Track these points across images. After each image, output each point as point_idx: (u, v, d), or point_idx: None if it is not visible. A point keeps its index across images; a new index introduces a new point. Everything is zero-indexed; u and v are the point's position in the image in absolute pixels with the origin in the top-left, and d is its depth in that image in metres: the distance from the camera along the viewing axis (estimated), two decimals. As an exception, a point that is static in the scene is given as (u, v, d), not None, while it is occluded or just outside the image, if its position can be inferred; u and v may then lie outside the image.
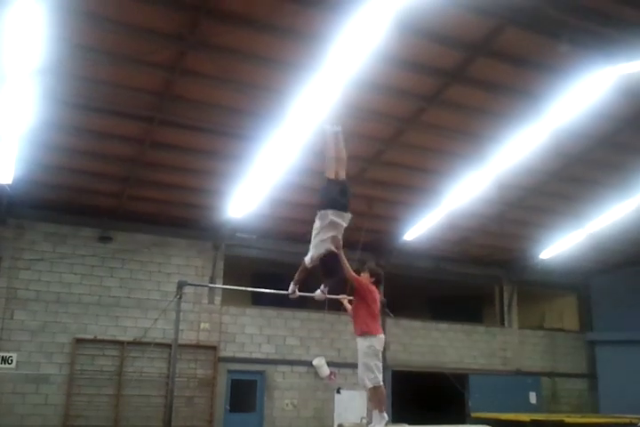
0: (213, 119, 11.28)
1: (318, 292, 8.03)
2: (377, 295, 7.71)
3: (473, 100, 11.00)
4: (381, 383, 7.31)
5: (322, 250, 7.11)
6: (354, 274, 7.44)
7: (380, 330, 7.51)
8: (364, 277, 7.71)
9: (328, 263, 7.11)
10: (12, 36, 7.97)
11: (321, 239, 7.13)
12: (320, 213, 7.14)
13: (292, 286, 8.00)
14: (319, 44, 8.90)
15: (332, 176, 7.21)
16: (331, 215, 7.04)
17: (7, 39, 8.02)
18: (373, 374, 7.23)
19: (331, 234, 7.11)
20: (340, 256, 7.14)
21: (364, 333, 7.35)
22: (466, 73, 10.19)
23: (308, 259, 7.33)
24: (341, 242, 7.20)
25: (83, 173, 13.18)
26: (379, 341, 7.38)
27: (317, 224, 7.18)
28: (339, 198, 7.15)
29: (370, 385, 7.27)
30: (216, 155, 12.60)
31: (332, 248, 7.07)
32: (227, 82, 10.21)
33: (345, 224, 7.20)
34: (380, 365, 7.36)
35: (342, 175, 7.25)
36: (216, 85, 10.35)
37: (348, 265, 7.32)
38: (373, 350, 7.29)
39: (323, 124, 7.62)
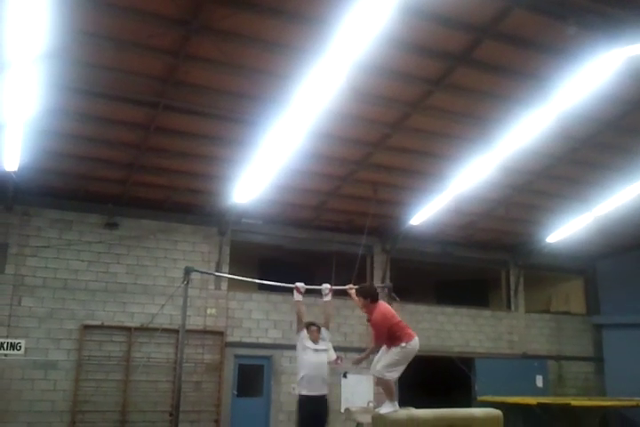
0: (218, 104, 11.22)
1: (325, 284, 8.43)
2: (389, 309, 7.58)
3: (479, 83, 10.90)
4: (391, 380, 7.29)
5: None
6: (374, 346, 7.68)
7: (414, 334, 7.38)
8: (362, 303, 7.60)
9: None
10: (16, 22, 7.90)
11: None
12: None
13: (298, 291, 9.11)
14: (324, 28, 8.81)
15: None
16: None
17: (11, 25, 7.96)
18: (393, 372, 7.21)
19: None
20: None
21: (407, 342, 7.25)
22: (472, 56, 10.09)
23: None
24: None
25: (88, 160, 13.17)
26: (414, 343, 7.28)
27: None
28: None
29: (384, 378, 7.24)
30: (221, 140, 12.56)
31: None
32: (231, 66, 10.15)
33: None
34: (404, 368, 7.32)
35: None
36: (220, 70, 10.29)
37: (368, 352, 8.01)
38: (407, 351, 7.22)
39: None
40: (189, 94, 10.93)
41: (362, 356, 8.09)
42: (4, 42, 8.35)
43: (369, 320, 7.54)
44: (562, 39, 9.39)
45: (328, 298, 9.26)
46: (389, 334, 7.29)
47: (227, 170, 13.48)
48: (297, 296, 9.12)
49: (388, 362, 7.21)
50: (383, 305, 7.61)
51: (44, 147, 12.31)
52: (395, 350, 7.22)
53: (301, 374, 8.82)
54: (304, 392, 8.75)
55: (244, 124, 11.80)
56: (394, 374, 7.25)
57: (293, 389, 15.91)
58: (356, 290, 8.02)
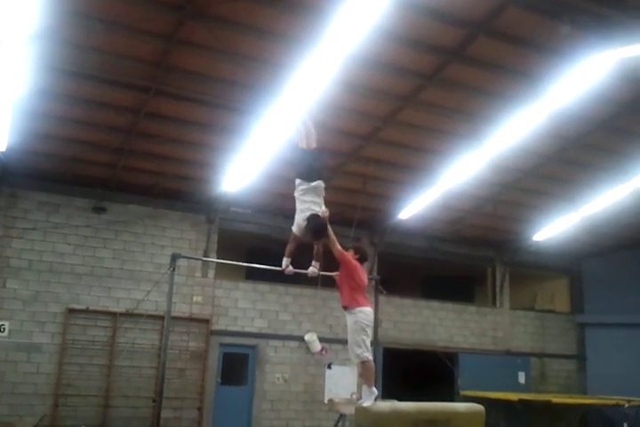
0: (210, 91, 11.18)
1: (311, 268, 8.27)
2: (361, 269, 7.83)
3: (472, 79, 10.91)
4: (370, 359, 7.37)
5: (306, 213, 7.62)
6: (339, 247, 7.63)
7: (366, 303, 7.60)
8: (349, 254, 7.88)
9: (314, 225, 7.53)
10: (6, 2, 7.84)
11: (302, 205, 7.70)
12: (297, 182, 7.81)
13: (285, 261, 8.34)
14: (320, 19, 8.79)
15: (304, 146, 8.07)
16: (303, 185, 7.73)
17: (1, 4, 7.89)
18: (361, 350, 7.31)
19: (310, 199, 7.70)
20: (325, 223, 7.60)
21: (347, 306, 7.52)
22: (466, 52, 10.09)
23: (295, 226, 7.76)
24: (327, 213, 7.70)
25: (77, 143, 13.09)
26: (364, 314, 7.46)
27: (297, 190, 7.80)
28: (312, 166, 7.85)
29: (357, 360, 7.36)
30: (212, 127, 12.52)
31: (316, 212, 7.59)
32: (224, 53, 10.11)
33: (322, 188, 7.90)
34: (369, 340, 7.44)
35: (311, 143, 8.08)
36: (213, 57, 10.25)
37: (334, 237, 7.61)
38: (360, 325, 7.39)
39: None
40: (181, 80, 10.88)
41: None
42: (-4, 21, 8.28)
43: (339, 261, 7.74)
44: (556, 38, 9.40)
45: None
46: (349, 288, 7.56)
47: (217, 158, 13.45)
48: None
49: (354, 342, 7.35)
50: (362, 266, 7.94)
51: (32, 128, 12.23)
52: (350, 325, 7.43)
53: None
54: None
55: (235, 112, 11.77)
56: (367, 352, 7.35)
57: (278, 379, 16.04)
58: (354, 245, 8.17)
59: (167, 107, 11.80)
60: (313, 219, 7.57)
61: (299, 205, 7.80)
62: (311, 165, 7.98)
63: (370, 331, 7.51)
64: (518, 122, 11.61)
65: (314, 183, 7.85)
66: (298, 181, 7.87)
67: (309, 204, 7.71)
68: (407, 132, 12.83)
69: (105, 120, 12.24)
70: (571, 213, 16.13)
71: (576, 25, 8.95)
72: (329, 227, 7.59)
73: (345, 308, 7.59)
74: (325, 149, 8.67)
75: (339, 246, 7.63)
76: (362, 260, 8.01)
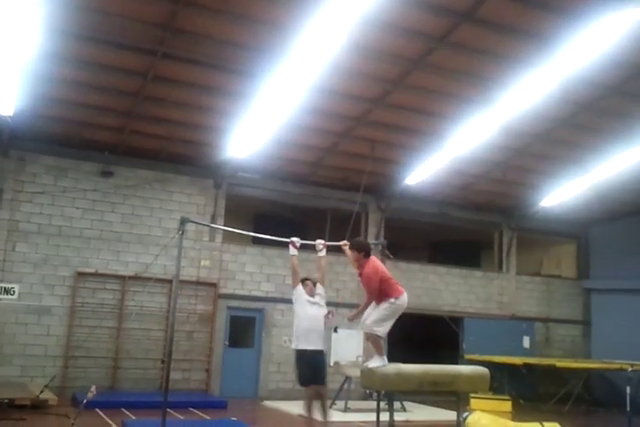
0: (218, 54, 11.07)
1: (319, 240, 8.44)
2: (381, 266, 7.66)
3: (482, 41, 10.74)
4: (381, 335, 7.38)
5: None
6: (368, 298, 7.52)
7: (402, 289, 7.48)
8: (354, 256, 7.71)
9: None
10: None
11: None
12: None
13: (294, 243, 8.98)
14: (328, -21, 8.65)
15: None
16: None
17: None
18: (382, 327, 7.29)
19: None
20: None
21: (395, 297, 7.35)
22: (476, 13, 9.90)
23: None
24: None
25: (85, 107, 13.04)
26: (404, 299, 7.40)
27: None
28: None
29: (367, 331, 7.35)
30: (220, 91, 12.43)
31: None
32: (232, 16, 9.96)
33: None
34: (392, 323, 7.42)
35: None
36: (221, 19, 10.10)
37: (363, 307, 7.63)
38: (396, 307, 7.34)
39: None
40: (189, 43, 10.76)
41: (356, 311, 7.82)
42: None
43: (360, 275, 7.62)
44: (569, -1, 9.23)
45: (322, 253, 9.29)
46: (380, 289, 7.37)
47: (225, 122, 13.38)
48: (292, 251, 9.08)
49: (378, 317, 7.30)
50: (375, 260, 7.71)
51: (40, 92, 12.17)
52: (384, 306, 7.31)
53: (298, 327, 8.79)
54: (302, 346, 8.71)
55: (243, 75, 11.66)
56: (383, 329, 7.33)
57: (284, 342, 16.19)
58: (350, 244, 8.05)
59: (175, 70, 11.71)
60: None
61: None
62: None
63: (398, 315, 7.48)
64: (529, 85, 11.48)
65: None
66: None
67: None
68: (416, 95, 12.71)
69: (113, 84, 12.16)
70: (579, 178, 16.04)
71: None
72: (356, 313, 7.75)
73: (382, 301, 7.38)
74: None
75: (367, 296, 7.53)
76: (368, 254, 7.70)
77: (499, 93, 12.01)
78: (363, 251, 7.68)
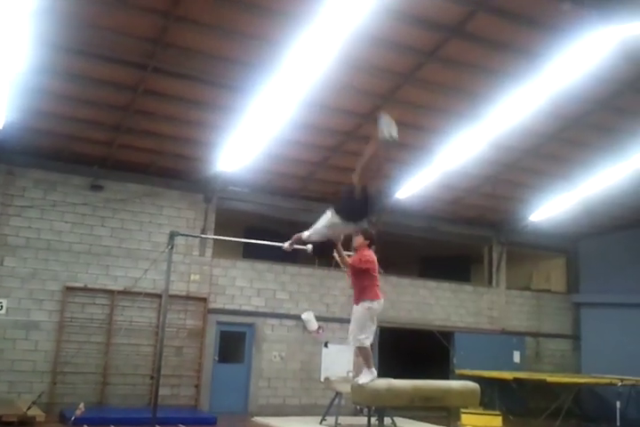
0: (209, 69, 11.09)
1: (310, 246, 8.21)
2: (373, 260, 7.68)
3: (472, 56, 10.82)
4: (367, 346, 7.35)
5: (321, 237, 7.26)
6: (348, 260, 7.69)
7: (380, 294, 7.49)
8: (359, 241, 7.74)
9: (321, 248, 7.60)
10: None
11: (323, 228, 7.17)
12: (332, 212, 6.97)
13: (286, 244, 8.15)
14: (318, -5, 8.70)
15: (358, 184, 6.82)
16: (341, 221, 6.98)
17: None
18: (364, 335, 7.26)
19: (332, 228, 7.13)
20: (337, 247, 7.66)
21: (369, 299, 7.36)
22: (466, 29, 9.98)
23: (306, 235, 7.40)
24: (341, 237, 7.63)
25: (74, 120, 13.01)
26: (378, 304, 7.40)
27: (326, 218, 7.08)
28: (356, 212, 7.06)
29: (356, 344, 7.35)
30: (210, 106, 12.44)
31: (331, 238, 7.37)
32: (222, 31, 10.01)
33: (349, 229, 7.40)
34: (374, 328, 7.42)
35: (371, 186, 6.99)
36: (211, 34, 10.14)
37: (343, 253, 7.75)
38: (372, 312, 7.33)
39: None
40: (179, 57, 10.78)
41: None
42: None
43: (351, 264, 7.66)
44: (556, 15, 9.31)
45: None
46: (361, 281, 7.45)
47: (215, 136, 13.38)
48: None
49: (358, 327, 7.30)
50: (372, 253, 7.77)
51: (30, 105, 12.14)
52: (359, 312, 7.32)
53: None
54: None
55: (234, 90, 11.69)
56: (368, 337, 7.31)
57: (275, 357, 16.14)
58: (362, 229, 8.06)
59: (165, 84, 11.72)
60: (324, 246, 7.58)
61: (322, 226, 7.14)
62: (359, 211, 7.18)
63: (376, 319, 7.46)
64: (518, 100, 11.57)
65: (348, 224, 7.20)
66: (333, 214, 7.07)
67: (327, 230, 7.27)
68: (406, 110, 12.74)
69: (103, 97, 12.16)
70: (568, 192, 16.13)
71: (577, 2, 8.88)
72: (339, 245, 7.67)
73: (359, 301, 7.42)
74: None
75: (346, 258, 7.72)
76: (372, 243, 7.81)
77: (488, 108, 12.09)
78: (369, 239, 7.79)
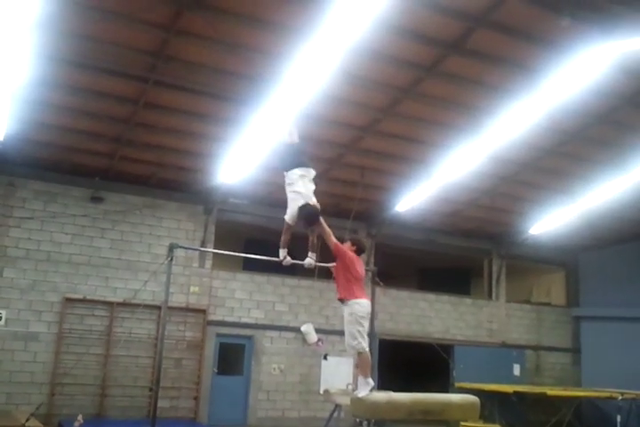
0: (209, 82, 11.17)
1: (308, 259, 8.29)
2: (358, 261, 7.87)
3: (471, 71, 10.88)
4: (365, 350, 7.38)
5: (299, 203, 7.67)
6: (334, 239, 7.71)
7: (362, 294, 7.59)
8: (346, 246, 7.93)
9: (306, 213, 7.65)
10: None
11: (293, 194, 7.77)
12: (287, 174, 7.92)
13: (282, 252, 8.33)
14: (319, 9, 8.71)
15: (289, 141, 8.46)
16: (298, 172, 7.88)
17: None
18: (356, 341, 7.33)
19: (302, 188, 7.79)
20: (318, 210, 7.80)
21: (343, 298, 7.54)
22: (465, 44, 10.04)
23: (287, 216, 7.80)
24: (319, 206, 7.80)
25: (75, 132, 13.08)
26: (360, 306, 7.46)
27: (288, 182, 7.90)
28: (300, 157, 8.09)
29: (352, 351, 7.40)
30: (211, 118, 12.51)
31: (309, 201, 7.68)
32: (223, 44, 10.08)
33: (311, 177, 8.01)
34: (364, 331, 7.44)
35: (295, 138, 8.42)
36: (212, 47, 10.21)
37: (328, 230, 7.73)
38: (355, 316, 7.39)
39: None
40: (180, 70, 10.84)
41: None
42: (-5, 10, 8.25)
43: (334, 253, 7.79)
44: (555, 31, 9.38)
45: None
46: (344, 280, 7.61)
47: (215, 148, 13.43)
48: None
49: (349, 334, 7.37)
50: (359, 259, 7.98)
51: (31, 117, 12.22)
52: (345, 318, 7.45)
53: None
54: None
55: (234, 102, 11.75)
56: (362, 343, 7.35)
57: (274, 369, 16.11)
58: (351, 236, 8.21)
59: (166, 97, 11.79)
60: (305, 207, 7.66)
61: (291, 195, 7.85)
62: (305, 154, 8.33)
63: (366, 322, 7.50)
64: (517, 115, 11.60)
65: (312, 170, 8.07)
66: (294, 170, 7.94)
67: (302, 193, 7.76)
68: (406, 123, 12.83)
69: (103, 110, 12.23)
70: (568, 206, 16.15)
71: (576, 17, 8.92)
72: (322, 219, 7.71)
73: (341, 300, 7.61)
74: (305, 140, 9.01)
75: (334, 239, 7.72)
76: (359, 251, 8.05)
77: (487, 122, 12.13)
78: (356, 246, 8.02)
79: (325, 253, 8.32)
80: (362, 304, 7.51)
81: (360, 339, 7.34)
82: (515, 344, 19.44)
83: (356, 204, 15.10)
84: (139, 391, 14.57)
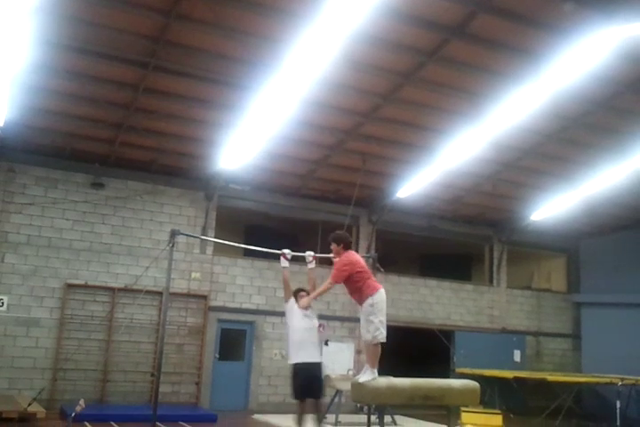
0: (209, 67, 11.11)
1: (309, 252, 8.40)
2: (357, 260, 7.71)
3: (472, 57, 10.82)
4: (380, 341, 7.32)
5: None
6: (331, 280, 7.68)
7: (377, 284, 7.50)
8: (334, 249, 7.86)
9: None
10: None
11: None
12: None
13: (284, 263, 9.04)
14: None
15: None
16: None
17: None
18: (378, 331, 7.23)
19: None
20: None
21: (368, 296, 7.35)
22: (467, 29, 9.98)
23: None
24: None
25: (75, 118, 13.04)
26: (380, 295, 7.38)
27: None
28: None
29: (375, 341, 7.27)
30: (211, 104, 12.46)
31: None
32: (223, 29, 10.01)
33: None
34: (384, 319, 7.36)
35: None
36: (212, 32, 10.15)
37: (321, 288, 8.13)
38: (377, 307, 7.30)
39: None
40: (180, 55, 10.79)
41: (311, 296, 8.46)
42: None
43: (334, 280, 7.67)
44: (558, 16, 9.32)
45: (312, 266, 9.21)
46: (353, 283, 7.47)
47: (216, 134, 13.40)
48: (283, 262, 9.01)
49: (373, 326, 7.24)
50: (354, 253, 7.84)
51: (31, 103, 12.17)
52: (367, 310, 7.31)
53: (293, 341, 8.57)
54: (299, 360, 8.48)
55: (235, 88, 11.70)
56: (381, 333, 7.26)
57: (275, 355, 16.15)
58: (330, 236, 8.08)
59: (166, 82, 11.74)
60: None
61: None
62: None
63: (385, 311, 7.43)
64: (518, 100, 11.56)
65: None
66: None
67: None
68: (407, 109, 12.77)
69: (104, 95, 12.18)
70: (569, 192, 16.13)
71: (579, 2, 8.87)
72: (310, 297, 8.45)
73: (362, 301, 7.41)
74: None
75: (330, 280, 7.67)
76: (347, 247, 7.88)
77: (489, 108, 12.08)
78: (341, 243, 7.84)
79: (325, 249, 8.39)
80: (382, 293, 7.41)
81: (382, 329, 7.26)
82: (515, 330, 19.49)
83: (356, 190, 15.08)
84: (140, 377, 14.65)
